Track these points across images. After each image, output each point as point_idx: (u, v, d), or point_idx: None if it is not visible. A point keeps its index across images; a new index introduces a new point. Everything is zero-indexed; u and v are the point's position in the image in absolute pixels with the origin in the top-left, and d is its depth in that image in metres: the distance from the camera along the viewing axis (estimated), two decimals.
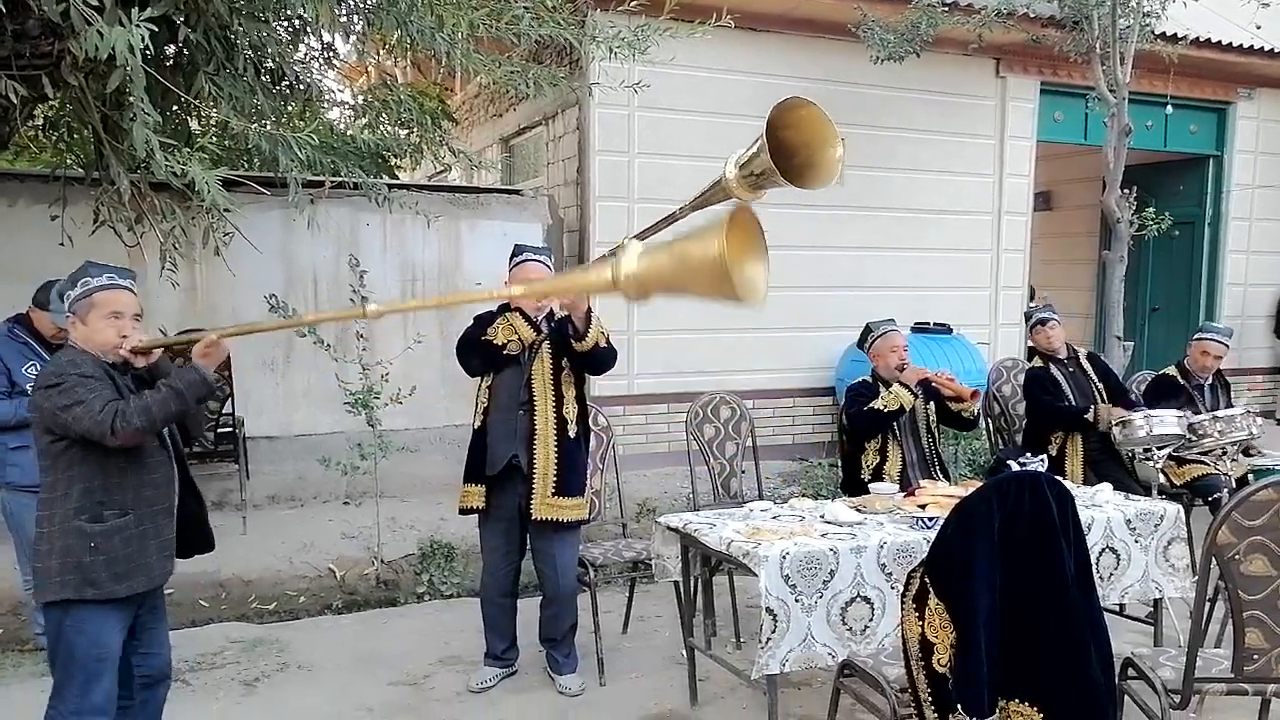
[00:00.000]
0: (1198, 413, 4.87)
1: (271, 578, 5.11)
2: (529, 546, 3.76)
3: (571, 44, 4.94)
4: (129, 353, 2.67)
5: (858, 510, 3.53)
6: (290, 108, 5.88)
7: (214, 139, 5.71)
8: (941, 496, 3.61)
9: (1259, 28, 8.02)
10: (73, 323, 2.67)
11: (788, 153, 2.51)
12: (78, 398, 2.50)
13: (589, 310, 3.47)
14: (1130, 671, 2.77)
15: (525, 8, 4.55)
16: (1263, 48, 8.16)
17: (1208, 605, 3.46)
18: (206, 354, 2.68)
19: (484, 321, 3.67)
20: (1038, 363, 5.25)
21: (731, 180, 2.49)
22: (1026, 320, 5.34)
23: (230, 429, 5.66)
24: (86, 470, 2.59)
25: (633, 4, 4.83)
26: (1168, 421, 4.43)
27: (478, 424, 3.70)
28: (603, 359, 3.58)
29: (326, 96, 6.03)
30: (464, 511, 3.74)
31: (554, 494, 3.55)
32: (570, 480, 3.58)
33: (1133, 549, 3.58)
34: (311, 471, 6.02)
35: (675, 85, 6.55)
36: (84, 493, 2.59)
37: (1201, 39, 7.81)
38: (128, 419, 2.49)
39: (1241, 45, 8.07)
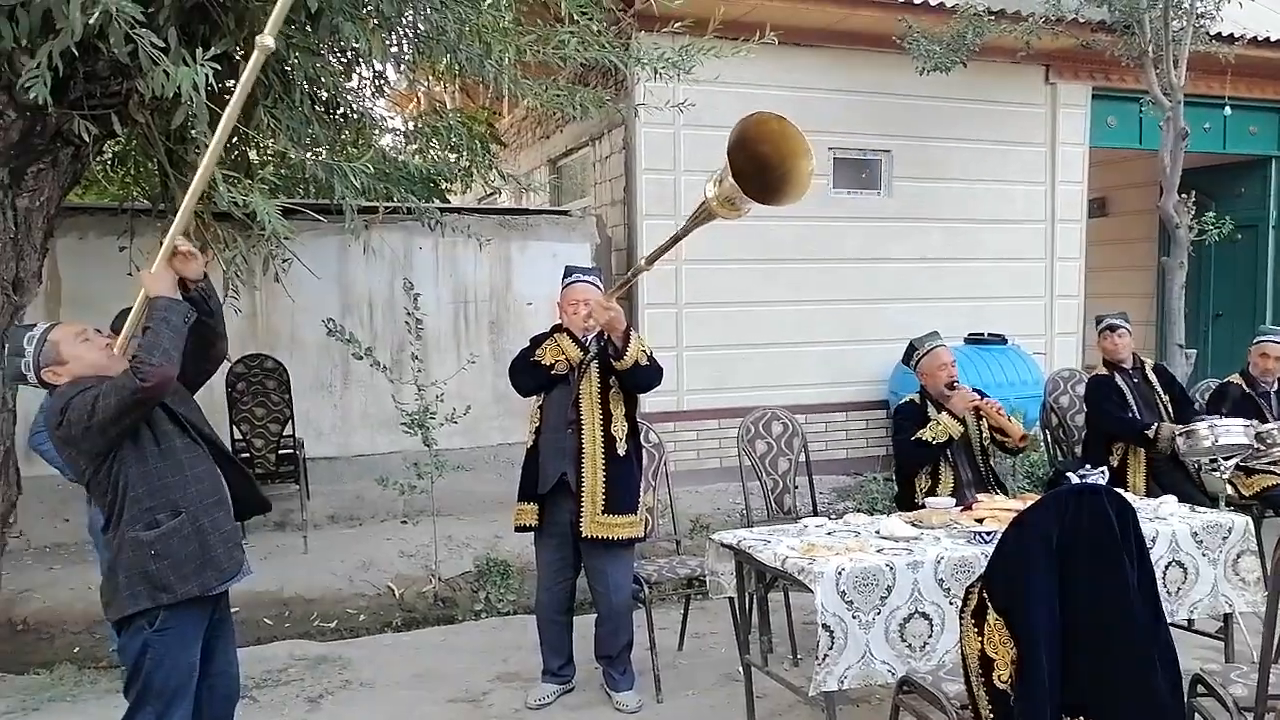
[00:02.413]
0: (1265, 421, 4.74)
1: (332, 596, 5.21)
2: (583, 564, 3.79)
3: (617, 66, 5.00)
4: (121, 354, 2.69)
5: (914, 525, 3.50)
6: (344, 136, 6.04)
7: (272, 168, 5.90)
8: (999, 510, 3.55)
9: None
10: (54, 373, 2.62)
11: (767, 166, 2.53)
12: (91, 396, 2.48)
13: (628, 328, 3.50)
14: (1200, 688, 2.69)
15: (571, 33, 4.63)
16: None
17: (1267, 605, 3.35)
18: (156, 277, 2.64)
19: (538, 342, 3.73)
20: (1101, 371, 5.15)
21: (711, 200, 2.52)
22: (1097, 324, 5.24)
23: (291, 450, 5.80)
24: (129, 483, 2.59)
25: (676, 25, 4.89)
26: (1234, 431, 4.31)
27: (530, 443, 3.75)
28: (645, 377, 3.59)
29: (379, 124, 6.19)
30: (519, 529, 3.79)
31: (604, 512, 3.57)
32: (621, 498, 3.60)
33: (1200, 562, 3.49)
34: (369, 491, 6.14)
35: (720, 102, 6.57)
36: (132, 502, 2.59)
37: (1259, 38, 7.63)
38: (142, 363, 2.46)
39: None
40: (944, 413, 4.24)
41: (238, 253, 4.65)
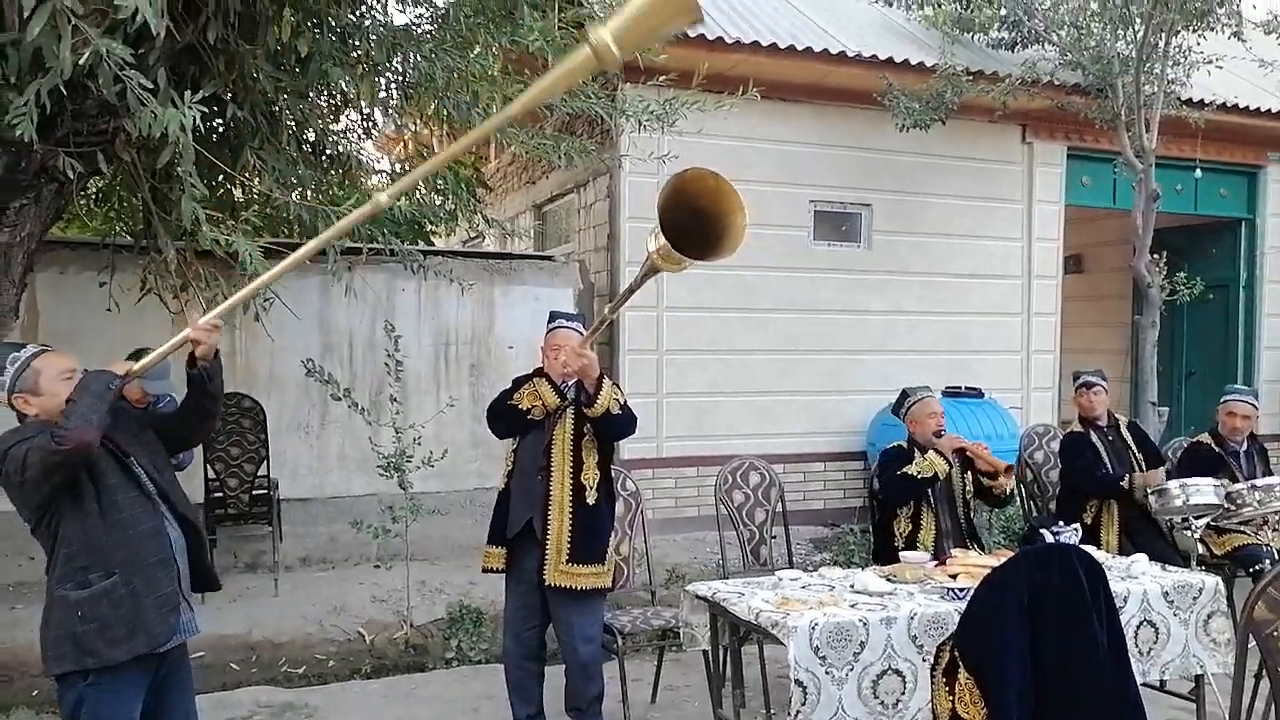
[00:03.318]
0: (1235, 480, 4.79)
1: (302, 640, 5.12)
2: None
3: (603, 116, 5.08)
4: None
5: (888, 579, 3.50)
6: (330, 177, 6.08)
7: (257, 209, 5.92)
8: (973, 566, 3.56)
9: None
10: (24, 401, 2.58)
11: (705, 221, 2.58)
12: (23, 450, 2.44)
13: (601, 376, 3.51)
14: None
15: None
16: None
17: (1254, 681, 3.36)
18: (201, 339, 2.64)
19: (518, 384, 3.72)
20: (1077, 427, 5.21)
21: (653, 254, 2.56)
22: (1074, 380, 5.31)
23: (265, 490, 5.74)
24: (64, 538, 2.52)
25: (661, 79, 4.98)
26: (1204, 490, 4.36)
27: (502, 486, 3.75)
28: (617, 426, 3.58)
29: (365, 166, 6.24)
30: (486, 570, 3.77)
31: (569, 560, 3.53)
32: (587, 547, 3.56)
33: (1172, 623, 3.50)
34: (343, 534, 6.08)
35: (704, 155, 6.63)
36: (66, 559, 2.50)
37: (1228, 104, 7.84)
38: (59, 427, 2.42)
39: (1269, 110, 8.09)
40: (931, 451, 4.29)
41: (219, 291, 4.64)
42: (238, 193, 5.47)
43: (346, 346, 6.63)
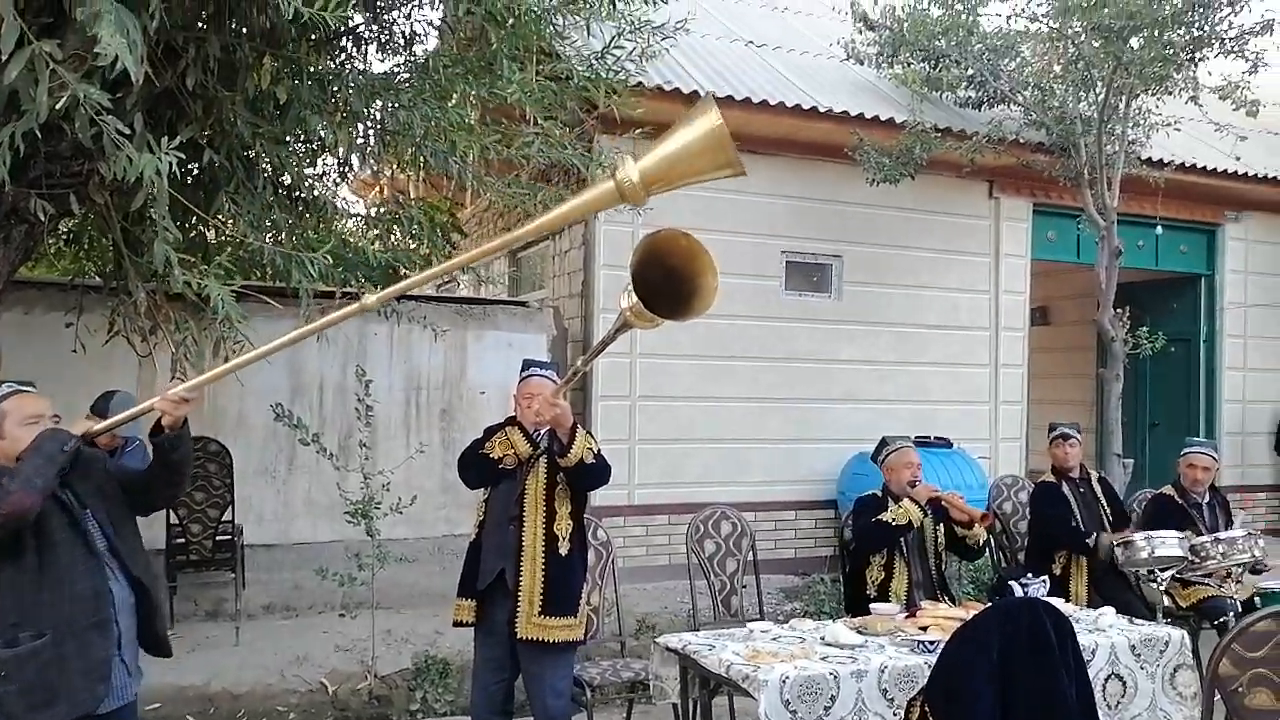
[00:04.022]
0: (1199, 533, 4.85)
1: (262, 691, 5.00)
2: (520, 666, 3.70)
3: (579, 166, 5.14)
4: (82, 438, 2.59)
5: (859, 631, 3.49)
6: (305, 220, 6.08)
7: (230, 252, 5.90)
8: (943, 618, 3.57)
9: (1238, 159, 8.32)
10: None
11: (678, 280, 2.62)
12: None
13: (574, 425, 3.49)
14: None
15: (536, 134, 4.76)
16: (1245, 173, 8.44)
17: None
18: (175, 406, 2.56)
19: (491, 433, 3.70)
20: (1049, 477, 5.27)
21: (626, 310, 2.59)
22: (1050, 431, 5.38)
23: (229, 536, 5.64)
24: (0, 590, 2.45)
25: (637, 131, 5.05)
26: (1169, 543, 4.41)
27: (473, 536, 3.70)
28: (590, 476, 3.55)
29: (340, 210, 6.25)
30: (456, 624, 3.71)
31: (541, 612, 3.48)
32: (559, 598, 3.51)
33: (1139, 676, 3.52)
34: (308, 581, 5.96)
35: (678, 205, 6.71)
36: None
37: (1186, 165, 8.09)
38: (2, 487, 2.38)
39: (1225, 171, 8.35)
40: (906, 500, 4.31)
41: (188, 334, 4.61)
42: (211, 235, 5.45)
43: (316, 390, 6.58)
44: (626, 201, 1.91)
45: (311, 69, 4.31)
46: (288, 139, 4.56)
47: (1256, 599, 4.84)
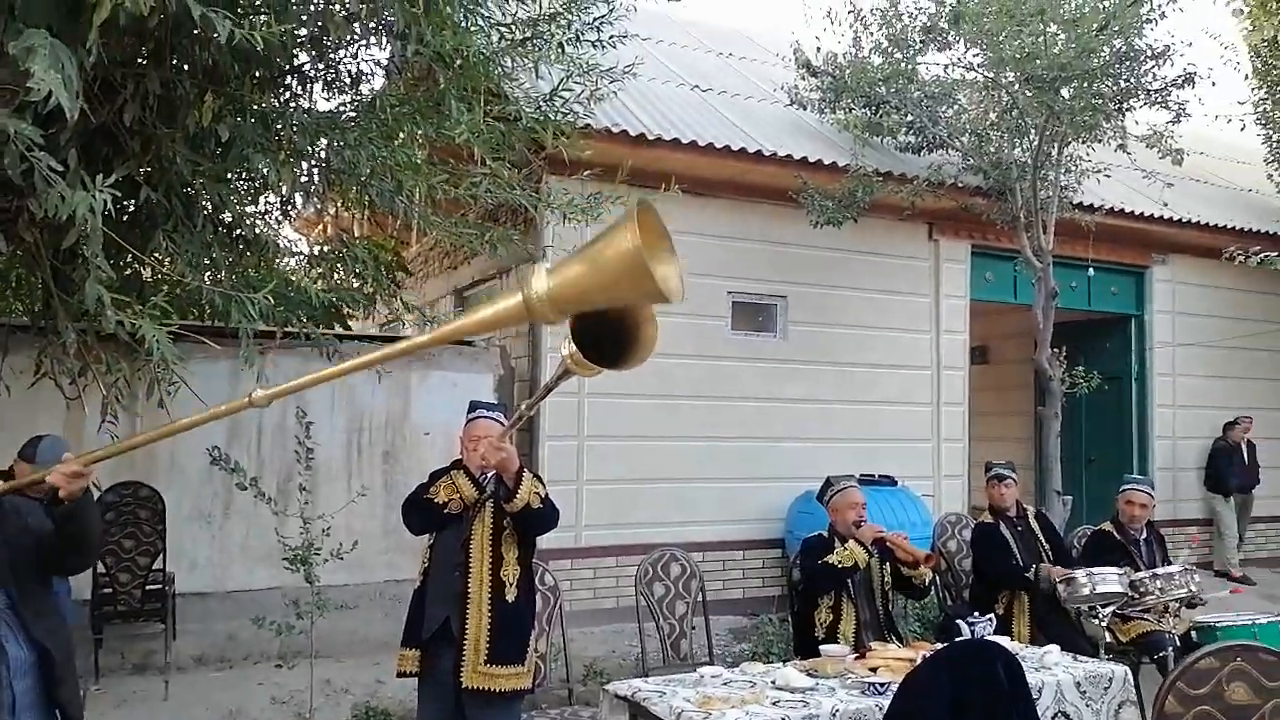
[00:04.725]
0: (1137, 568, 4.95)
1: None
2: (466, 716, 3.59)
3: (527, 207, 5.14)
4: None
5: (809, 674, 3.47)
6: (246, 259, 5.95)
7: (166, 291, 5.75)
8: (892, 659, 3.57)
9: (1165, 204, 8.66)
10: None
11: (621, 328, 2.61)
12: None
13: (520, 469, 3.43)
14: None
15: (484, 174, 4.75)
16: (1171, 218, 8.78)
17: None
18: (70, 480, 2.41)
19: (436, 478, 3.63)
20: (987, 518, 5.33)
21: (567, 358, 2.58)
22: (986, 471, 5.46)
23: (159, 585, 5.43)
24: None
25: (585, 172, 5.07)
26: (1109, 579, 4.49)
27: (418, 584, 3.61)
28: (537, 521, 3.49)
29: (282, 249, 6.14)
30: (400, 675, 3.60)
31: (487, 661, 3.40)
32: (506, 647, 3.44)
33: (1085, 713, 3.55)
34: (243, 630, 5.76)
35: None
36: None
37: (1116, 209, 8.39)
38: None
39: (1152, 215, 8.68)
40: (852, 541, 4.32)
41: (120, 376, 4.46)
42: (147, 274, 5.31)
43: (255, 433, 6.40)
44: (535, 320, 1.69)
45: (255, 106, 4.25)
46: (229, 177, 4.47)
47: (1193, 633, 4.94)
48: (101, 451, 2.45)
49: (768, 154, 7.10)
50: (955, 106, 7.74)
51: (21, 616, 2.54)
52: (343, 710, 5.14)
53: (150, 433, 2.40)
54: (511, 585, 3.47)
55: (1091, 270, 8.54)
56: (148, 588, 5.37)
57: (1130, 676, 3.73)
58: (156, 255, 4.19)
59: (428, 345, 1.65)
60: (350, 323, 8.62)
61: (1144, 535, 5.42)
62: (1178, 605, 4.77)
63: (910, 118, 7.65)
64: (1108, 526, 5.47)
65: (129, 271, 4.92)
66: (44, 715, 2.59)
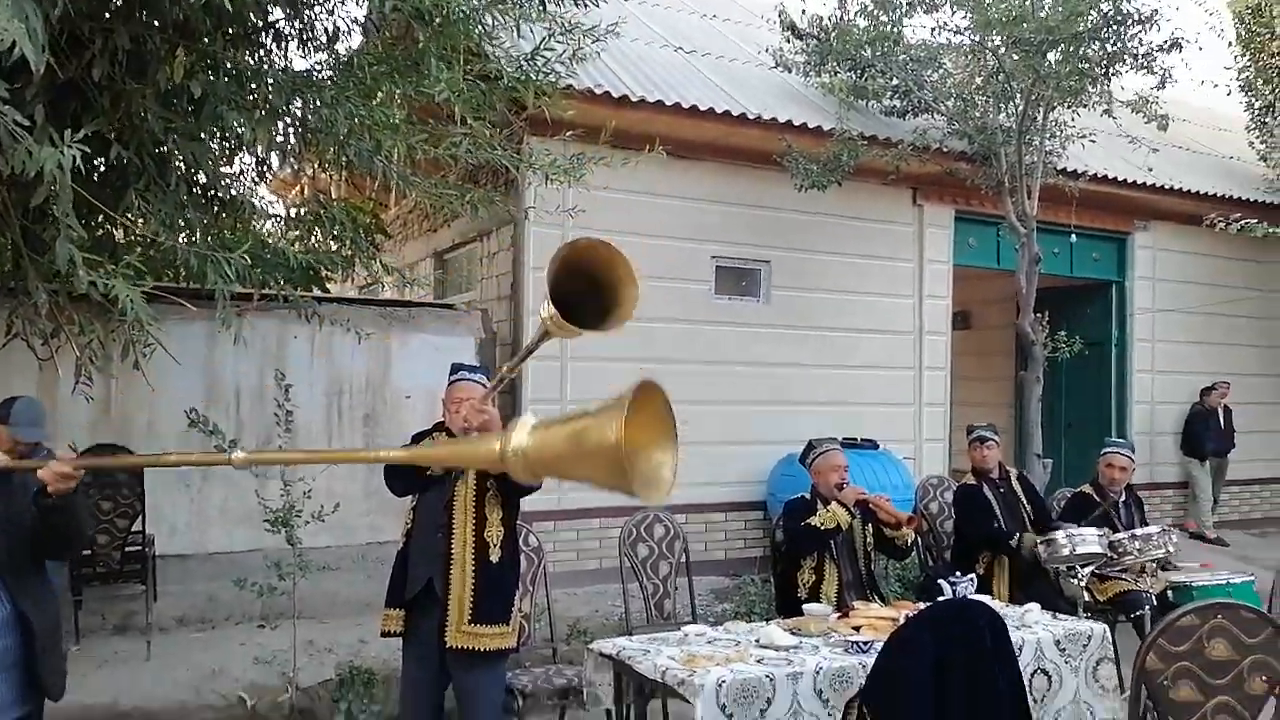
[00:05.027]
0: (1115, 530, 5.01)
1: (176, 708, 4.79)
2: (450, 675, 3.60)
3: (508, 167, 5.06)
4: None
5: (793, 633, 3.50)
6: (221, 220, 5.85)
7: (140, 252, 5.65)
8: (875, 618, 3.60)
9: (1150, 169, 8.67)
10: None
11: (599, 289, 2.58)
12: None
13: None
14: None
15: (464, 134, 4.67)
16: (1154, 184, 8.79)
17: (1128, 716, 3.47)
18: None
19: (418, 439, 3.60)
20: (970, 480, 5.37)
21: (546, 319, 2.55)
22: (968, 434, 5.49)
23: (139, 547, 5.39)
24: None
25: (568, 133, 5.00)
26: (1089, 540, 4.54)
27: (401, 545, 3.60)
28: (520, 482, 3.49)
29: (259, 210, 6.03)
30: (384, 634, 3.60)
31: (471, 621, 3.39)
32: (490, 606, 3.43)
33: (1064, 670, 3.60)
34: (224, 592, 5.73)
35: (610, 208, 6.73)
36: None
37: (1099, 175, 8.38)
38: None
39: (1135, 182, 8.69)
40: (834, 503, 4.34)
41: (94, 337, 4.38)
42: (120, 235, 5.20)
43: (233, 395, 6.34)
44: (506, 470, 1.61)
45: (228, 64, 4.14)
46: (202, 135, 4.37)
47: (1169, 592, 5.02)
48: (94, 461, 2.48)
49: (752, 117, 7.03)
50: (941, 70, 7.68)
51: (6, 582, 2.54)
52: (326, 669, 5.15)
53: (144, 456, 2.42)
54: (495, 546, 3.46)
55: (1074, 236, 8.55)
56: (127, 549, 5.33)
57: (1108, 634, 3.78)
58: (129, 215, 4.08)
59: (398, 461, 1.57)
60: (329, 285, 8.54)
61: (1123, 498, 5.48)
62: (1154, 565, 4.84)
63: (895, 81, 7.59)
64: (1087, 489, 5.53)
65: (101, 232, 4.82)
66: (22, 682, 2.58)
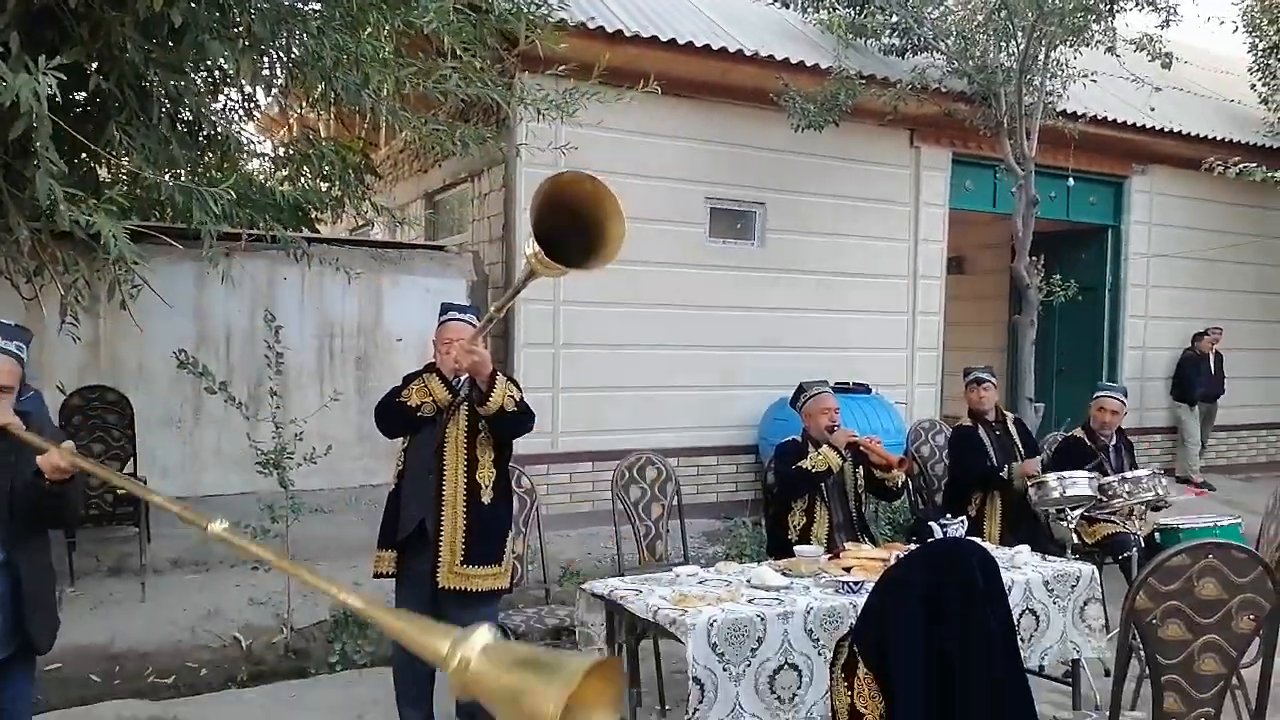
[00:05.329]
0: (1106, 473, 5.03)
1: (171, 649, 4.82)
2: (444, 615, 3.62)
3: (499, 104, 4.95)
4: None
5: (784, 574, 3.51)
6: (208, 158, 5.74)
7: (125, 189, 5.54)
8: (866, 559, 3.62)
9: (1153, 109, 8.54)
10: None
11: (585, 226, 2.51)
12: None
13: (494, 373, 3.36)
14: None
15: (454, 68, 4.55)
16: (1154, 127, 8.68)
17: (1117, 654, 3.52)
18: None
19: (409, 381, 3.56)
20: (966, 421, 5.37)
21: (530, 257, 2.49)
22: (965, 376, 5.48)
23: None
24: None
25: (560, 68, 4.88)
26: (1079, 483, 4.55)
27: (393, 486, 3.59)
28: (512, 424, 3.45)
29: (246, 148, 5.92)
30: (376, 576, 3.61)
31: (463, 562, 3.40)
32: (481, 548, 3.43)
33: (1051, 610, 3.63)
34: None
35: (602, 147, 6.61)
36: None
37: (1099, 117, 8.26)
38: None
39: (1135, 124, 8.57)
40: (825, 445, 4.34)
41: (79, 276, 4.32)
42: (103, 171, 5.10)
43: (224, 337, 6.29)
44: (442, 666, 1.49)
45: None
46: (185, 67, 4.26)
47: (1156, 534, 5.06)
48: (91, 465, 2.50)
49: (749, 54, 6.88)
50: (942, 7, 7.52)
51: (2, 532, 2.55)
52: (320, 610, 5.18)
53: (132, 483, 2.41)
54: (487, 488, 3.45)
55: (1071, 180, 8.47)
56: (118, 492, 5.31)
57: (1096, 575, 3.81)
58: (111, 150, 3.99)
59: (357, 610, 1.45)
60: (319, 226, 8.43)
61: (1114, 441, 5.49)
62: (1143, 508, 4.87)
63: (895, 19, 7.43)
64: (1079, 433, 5.54)
65: (84, 169, 4.73)
66: (6, 629, 2.60)
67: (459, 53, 4.51)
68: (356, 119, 7.58)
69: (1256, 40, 10.25)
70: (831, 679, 2.39)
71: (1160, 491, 4.70)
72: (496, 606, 3.67)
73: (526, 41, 4.84)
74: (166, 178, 4.23)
